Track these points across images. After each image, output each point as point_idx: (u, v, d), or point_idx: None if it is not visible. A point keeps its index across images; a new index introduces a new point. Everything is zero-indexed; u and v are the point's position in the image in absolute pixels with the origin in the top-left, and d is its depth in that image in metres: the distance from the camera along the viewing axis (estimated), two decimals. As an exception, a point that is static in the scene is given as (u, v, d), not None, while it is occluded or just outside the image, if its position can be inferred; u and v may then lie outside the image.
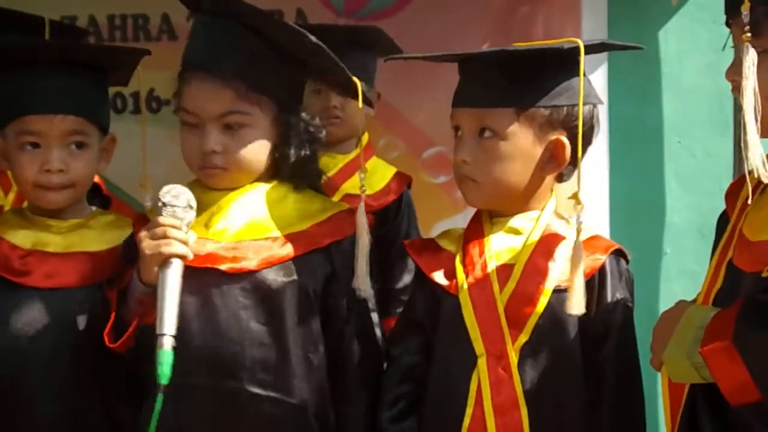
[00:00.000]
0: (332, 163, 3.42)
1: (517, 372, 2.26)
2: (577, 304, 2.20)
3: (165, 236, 2.20)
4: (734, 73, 2.05)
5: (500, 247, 2.33)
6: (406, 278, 3.32)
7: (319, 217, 2.41)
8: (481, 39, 4.00)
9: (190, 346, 2.24)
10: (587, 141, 2.33)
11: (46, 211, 2.46)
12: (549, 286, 2.27)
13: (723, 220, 2.23)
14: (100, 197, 2.92)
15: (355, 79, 2.45)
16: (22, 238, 2.45)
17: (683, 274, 4.13)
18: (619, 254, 2.35)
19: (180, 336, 2.18)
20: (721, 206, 2.26)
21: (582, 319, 2.27)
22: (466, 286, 2.30)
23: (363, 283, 2.37)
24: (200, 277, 2.26)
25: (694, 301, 2.16)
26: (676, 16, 4.22)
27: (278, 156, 2.39)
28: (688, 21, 4.21)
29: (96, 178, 2.74)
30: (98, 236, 2.49)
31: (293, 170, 2.41)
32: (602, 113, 2.41)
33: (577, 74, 2.23)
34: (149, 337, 2.19)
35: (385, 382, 2.39)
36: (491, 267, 2.31)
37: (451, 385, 2.29)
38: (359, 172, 2.45)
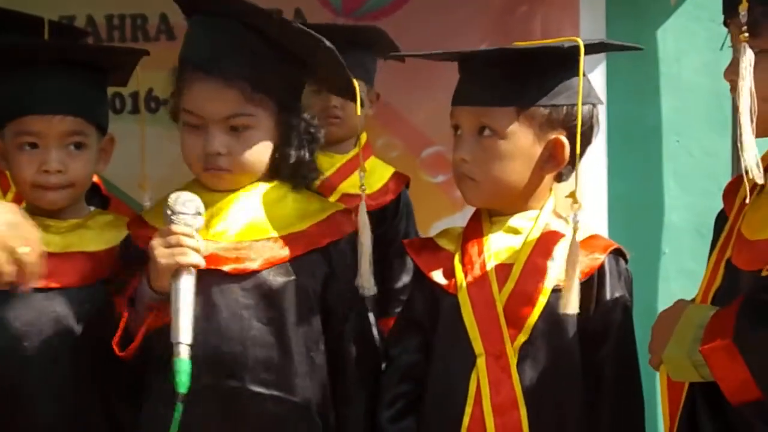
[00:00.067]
0: (330, 163, 3.42)
1: (516, 371, 2.26)
2: (571, 304, 2.21)
3: (179, 245, 2.20)
4: (732, 72, 2.05)
5: (499, 246, 2.33)
6: (405, 278, 3.32)
7: (317, 216, 2.41)
8: (479, 38, 4.00)
9: (192, 347, 2.24)
10: (587, 141, 2.33)
11: (45, 211, 2.45)
12: (548, 285, 2.27)
13: (721, 220, 2.23)
14: (99, 197, 2.92)
15: (354, 81, 2.44)
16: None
17: (682, 273, 4.13)
18: (618, 254, 2.35)
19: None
20: (720, 205, 2.26)
21: (581, 319, 2.27)
22: (464, 285, 2.30)
23: (367, 281, 2.38)
24: (202, 277, 2.25)
25: (693, 300, 2.16)
26: (675, 15, 4.22)
27: (278, 156, 2.39)
28: (687, 20, 4.21)
29: (95, 178, 2.74)
30: (97, 236, 2.49)
31: (292, 170, 2.42)
32: (601, 112, 2.41)
33: (577, 74, 2.23)
34: (155, 341, 2.21)
35: (384, 382, 2.39)
36: (490, 266, 2.31)
37: (450, 385, 2.29)
38: (359, 170, 2.46)
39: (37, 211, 2.46)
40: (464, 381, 2.27)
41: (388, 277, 3.33)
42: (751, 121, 1.98)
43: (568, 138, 2.28)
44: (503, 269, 2.31)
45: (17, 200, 2.85)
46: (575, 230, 2.22)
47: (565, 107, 2.28)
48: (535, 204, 2.35)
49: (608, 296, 2.30)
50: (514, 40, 2.55)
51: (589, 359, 2.29)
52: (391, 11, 4.14)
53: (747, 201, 2.07)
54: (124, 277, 2.34)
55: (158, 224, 2.34)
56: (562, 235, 2.31)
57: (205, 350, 2.25)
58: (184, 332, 2.16)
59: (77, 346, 2.38)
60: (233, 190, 2.37)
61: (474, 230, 2.37)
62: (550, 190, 2.38)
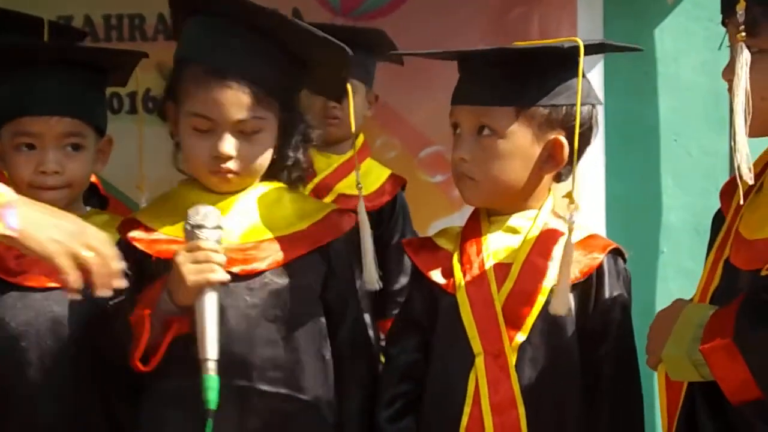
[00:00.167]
0: (327, 163, 3.44)
1: (514, 371, 2.26)
2: (561, 304, 2.21)
3: (208, 261, 2.18)
4: (730, 72, 2.05)
5: (498, 245, 2.33)
6: (402, 280, 3.33)
7: (316, 216, 2.42)
8: (477, 38, 4.00)
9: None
10: (586, 141, 2.33)
11: (42, 212, 2.45)
12: (547, 284, 2.27)
13: (718, 220, 2.22)
14: (97, 197, 2.92)
15: (349, 86, 2.45)
16: None
17: (680, 272, 4.13)
18: (616, 253, 2.35)
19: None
20: (718, 204, 2.26)
21: (580, 318, 2.28)
22: (463, 284, 2.30)
23: (370, 276, 2.41)
24: None
25: (691, 300, 2.16)
26: (672, 14, 4.22)
27: (276, 157, 2.39)
28: (684, 19, 4.21)
29: (93, 178, 2.74)
30: (93, 236, 2.49)
31: (288, 171, 2.42)
32: (599, 112, 2.41)
33: (577, 74, 2.23)
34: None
35: (383, 382, 2.40)
36: (489, 265, 2.31)
37: (449, 385, 2.29)
38: (356, 169, 2.46)
39: (34, 212, 2.46)
40: (463, 380, 2.27)
41: (385, 278, 3.31)
42: (746, 121, 1.98)
43: (568, 138, 2.28)
44: (502, 269, 2.31)
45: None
46: (570, 231, 2.22)
47: (564, 107, 2.28)
48: (534, 204, 2.35)
49: (607, 295, 2.30)
50: (512, 40, 2.55)
51: (587, 358, 2.29)
52: (389, 11, 4.14)
53: (741, 203, 2.07)
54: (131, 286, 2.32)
55: (153, 224, 2.35)
56: (561, 235, 2.31)
57: None
58: (212, 348, 2.15)
59: (75, 346, 2.37)
60: (234, 192, 2.37)
61: (473, 230, 2.37)
62: (549, 189, 2.38)
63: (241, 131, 2.31)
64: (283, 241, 2.35)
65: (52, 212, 2.00)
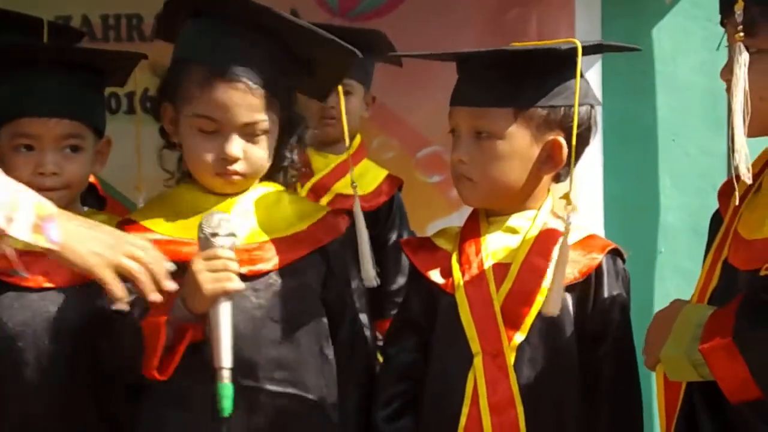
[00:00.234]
0: (325, 164, 3.44)
1: (513, 370, 2.26)
2: (553, 305, 2.21)
3: (225, 270, 2.17)
4: (729, 72, 2.05)
5: (497, 246, 2.34)
6: (400, 280, 3.33)
7: (314, 216, 2.42)
8: (474, 39, 4.00)
9: (207, 348, 2.22)
10: (584, 142, 2.34)
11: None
12: (546, 285, 2.27)
13: (716, 220, 2.23)
14: (95, 198, 2.92)
15: (340, 86, 2.45)
16: (15, 238, 2.44)
17: (678, 272, 4.13)
18: (615, 254, 2.35)
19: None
20: (715, 204, 2.27)
21: (579, 318, 2.28)
22: (462, 284, 2.31)
23: (368, 272, 2.42)
24: None
25: (689, 301, 2.16)
26: (670, 14, 4.22)
27: (274, 158, 2.39)
28: (682, 19, 4.21)
29: (91, 179, 2.74)
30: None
31: (285, 172, 2.43)
32: (597, 112, 2.41)
33: (575, 75, 2.23)
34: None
35: (381, 381, 2.40)
36: (488, 265, 2.31)
37: (448, 384, 2.29)
38: (350, 169, 2.46)
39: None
40: (461, 380, 2.27)
41: (383, 279, 3.31)
42: (744, 122, 1.98)
43: (566, 139, 2.28)
44: (501, 269, 2.31)
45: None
46: (567, 232, 2.23)
47: (562, 108, 2.28)
48: (533, 204, 2.35)
49: (606, 296, 2.30)
50: (510, 40, 2.56)
51: (587, 359, 2.29)
52: (386, 11, 4.13)
53: (737, 203, 2.07)
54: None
55: (151, 225, 2.34)
56: (561, 235, 2.31)
57: None
58: (226, 357, 2.15)
59: (72, 346, 2.37)
60: (234, 193, 2.37)
61: (471, 230, 2.37)
62: (548, 190, 2.38)
63: (248, 133, 2.30)
64: (286, 241, 2.35)
65: (89, 224, 2.03)
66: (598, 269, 2.31)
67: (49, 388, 2.36)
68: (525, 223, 2.34)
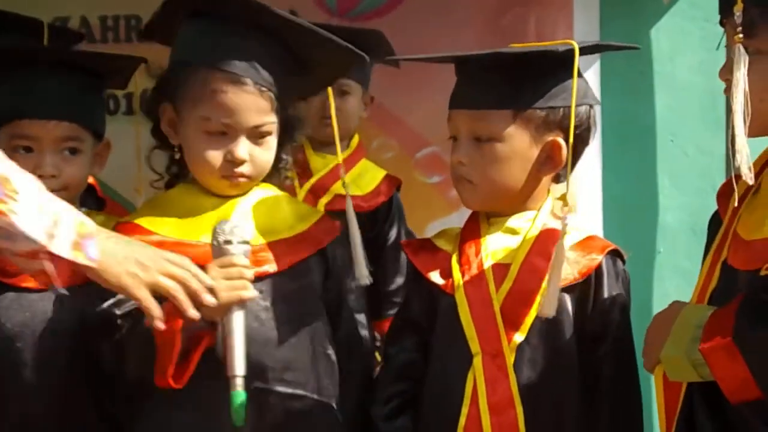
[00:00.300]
0: (323, 164, 3.43)
1: (512, 371, 2.26)
2: (549, 307, 2.21)
3: (241, 278, 2.15)
4: (728, 72, 2.05)
5: (497, 246, 2.34)
6: (399, 280, 3.34)
7: (313, 217, 2.44)
8: (473, 39, 4.00)
9: (215, 351, 2.22)
10: (584, 142, 2.34)
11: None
12: (545, 285, 2.27)
13: (715, 222, 2.23)
14: (94, 199, 2.92)
15: (330, 88, 2.45)
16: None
17: (677, 272, 4.13)
18: (615, 254, 2.35)
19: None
20: (714, 204, 2.27)
21: (579, 319, 2.28)
22: (462, 285, 2.31)
23: (361, 270, 2.40)
24: None
25: (688, 303, 2.16)
26: (668, 14, 4.22)
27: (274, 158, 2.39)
28: (681, 19, 4.21)
29: (90, 180, 2.74)
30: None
31: (280, 173, 2.43)
32: (596, 112, 2.41)
33: (573, 75, 2.23)
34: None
35: (381, 381, 2.41)
36: (487, 266, 2.31)
37: (448, 384, 2.30)
38: (341, 169, 2.51)
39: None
40: (461, 380, 2.28)
41: (381, 279, 3.33)
42: (745, 123, 1.98)
43: (566, 140, 2.28)
44: (500, 269, 2.31)
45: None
46: (563, 234, 2.23)
47: (561, 109, 2.28)
48: (532, 205, 2.35)
49: (606, 296, 2.31)
50: (508, 41, 2.56)
51: (586, 359, 2.29)
52: (385, 12, 4.13)
53: (736, 204, 2.07)
54: None
55: (151, 227, 2.34)
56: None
57: None
58: (240, 365, 2.14)
59: (71, 347, 2.37)
60: (234, 195, 2.37)
61: (471, 231, 2.37)
62: (548, 191, 2.38)
63: (255, 135, 2.30)
64: (289, 242, 2.36)
65: (127, 243, 2.05)
66: (598, 270, 2.31)
67: (49, 388, 2.36)
68: (525, 224, 2.34)
